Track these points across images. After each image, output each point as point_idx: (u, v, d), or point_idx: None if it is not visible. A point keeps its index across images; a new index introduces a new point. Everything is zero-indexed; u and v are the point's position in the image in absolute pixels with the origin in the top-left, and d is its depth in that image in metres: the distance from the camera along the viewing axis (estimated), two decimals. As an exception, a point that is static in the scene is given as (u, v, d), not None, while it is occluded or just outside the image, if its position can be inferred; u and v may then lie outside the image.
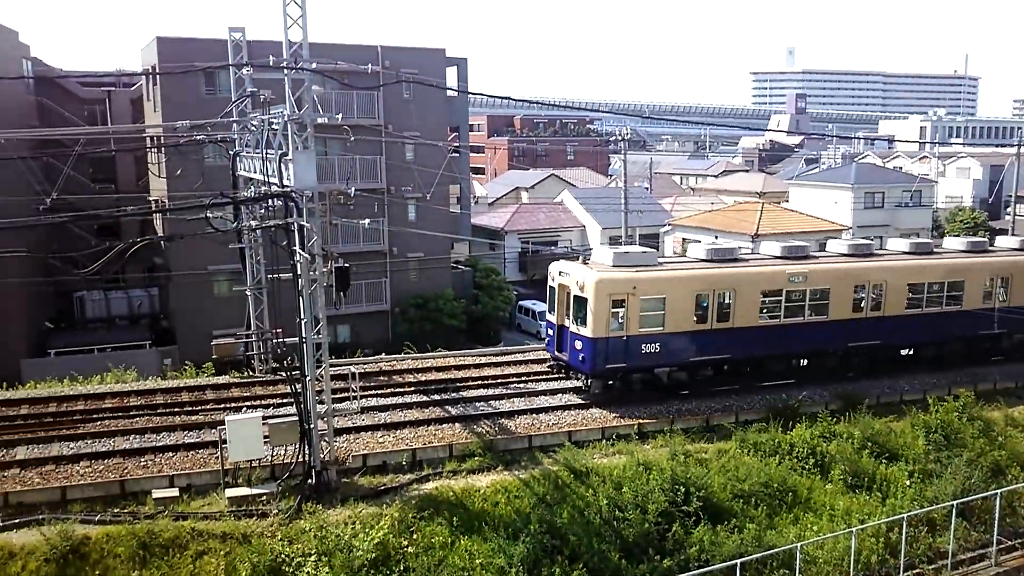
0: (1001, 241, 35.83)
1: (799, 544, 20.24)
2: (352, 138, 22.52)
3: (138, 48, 47.46)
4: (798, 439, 24.14)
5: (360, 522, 19.08)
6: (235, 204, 23.85)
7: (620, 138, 53.13)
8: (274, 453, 20.96)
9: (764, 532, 20.88)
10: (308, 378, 20.10)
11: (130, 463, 20.97)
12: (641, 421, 25.19)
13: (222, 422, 20.65)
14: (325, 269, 20.36)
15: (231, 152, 25.88)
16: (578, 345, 26.26)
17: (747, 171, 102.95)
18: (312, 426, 20.12)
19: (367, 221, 24.83)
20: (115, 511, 18.76)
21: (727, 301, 27.30)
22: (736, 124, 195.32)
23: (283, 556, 17.91)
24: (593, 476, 21.82)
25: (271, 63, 20.89)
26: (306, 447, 20.32)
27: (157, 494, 19.81)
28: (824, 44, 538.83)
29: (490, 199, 76.04)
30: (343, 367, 20.92)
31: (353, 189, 22.21)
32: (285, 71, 19.71)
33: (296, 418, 20.32)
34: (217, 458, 20.88)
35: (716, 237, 47.03)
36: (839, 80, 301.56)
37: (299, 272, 19.76)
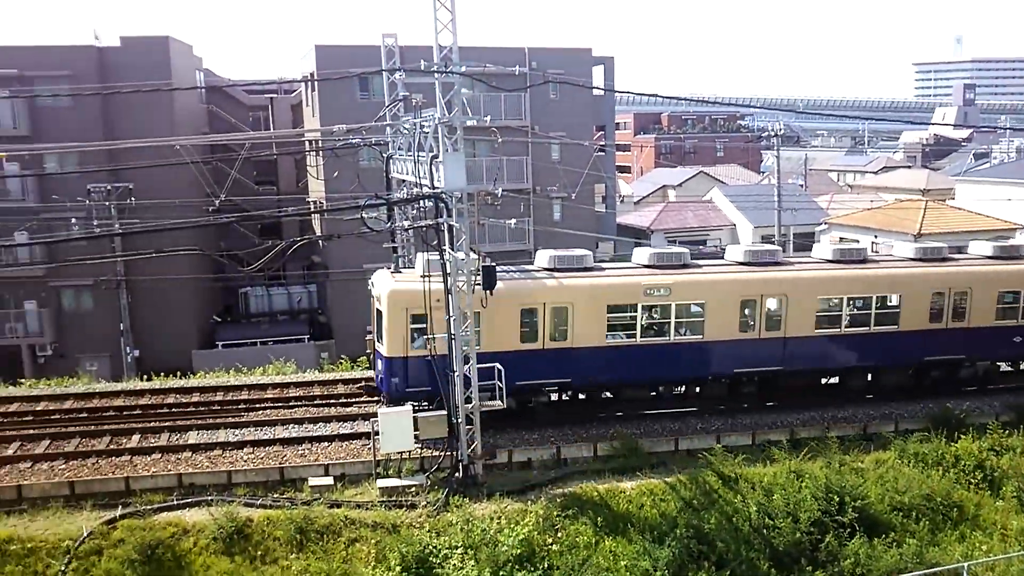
0: (975, 248, 29.23)
1: (966, 564, 19.07)
2: (500, 139, 22.86)
3: (298, 56, 49.85)
4: (964, 451, 22.73)
5: (505, 517, 19.36)
6: (388, 205, 24.65)
7: (773, 134, 51.53)
8: (423, 446, 21.52)
9: (926, 548, 19.79)
10: (456, 373, 20.54)
11: (289, 451, 22.07)
12: (793, 428, 24.36)
13: (375, 414, 21.42)
14: (473, 268, 20.78)
15: (385, 155, 26.76)
16: (379, 365, 23.61)
17: (909, 167, 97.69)
18: (459, 420, 20.57)
19: (513, 221, 25.18)
20: (275, 496, 19.77)
21: (564, 317, 23.50)
22: (897, 118, 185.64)
23: (431, 548, 18.40)
24: (742, 482, 21.28)
25: (422, 67, 21.49)
26: (454, 441, 20.79)
27: (313, 482, 20.78)
28: (996, 30, 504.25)
29: (636, 198, 75.40)
30: (489, 364, 21.22)
31: (500, 189, 22.58)
32: (436, 75, 20.21)
33: (444, 413, 20.83)
34: (369, 449, 21.68)
35: (876, 237, 44.85)
36: (1013, 68, 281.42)
37: (448, 271, 20.23)
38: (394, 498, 20.06)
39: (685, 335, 24.48)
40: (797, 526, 19.68)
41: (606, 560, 18.79)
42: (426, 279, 21.14)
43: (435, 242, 20.51)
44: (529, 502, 20.01)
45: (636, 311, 23.92)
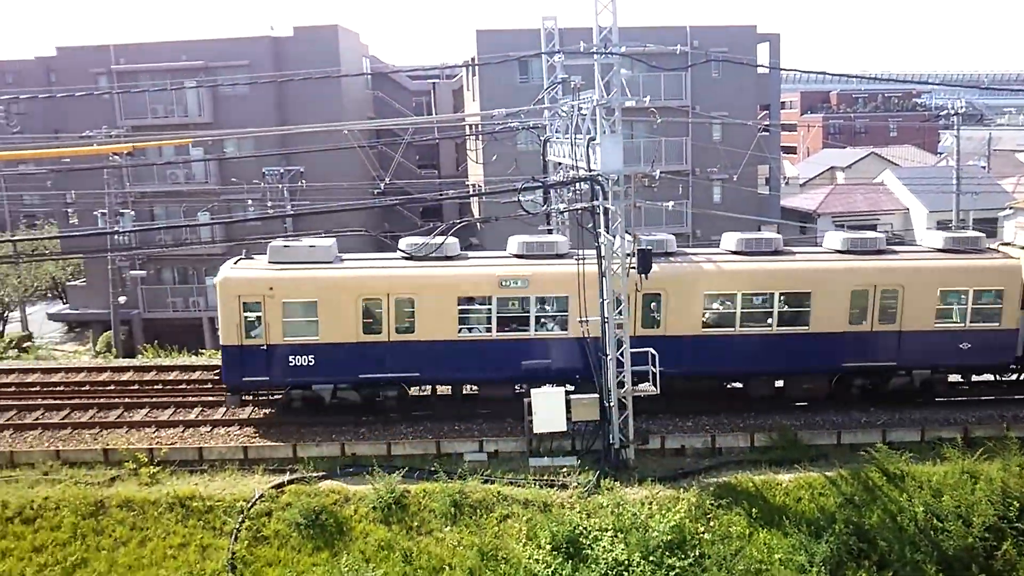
0: (929, 238, 25.68)
1: None
2: (659, 120, 22.44)
3: (460, 41, 50.87)
4: None
5: (657, 503, 19.20)
6: (545, 188, 24.79)
7: (952, 112, 48.26)
8: (575, 428, 21.62)
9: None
10: (609, 357, 20.48)
11: (445, 427, 22.68)
12: (968, 425, 22.87)
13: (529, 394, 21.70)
14: (628, 251, 20.62)
15: (542, 138, 26.92)
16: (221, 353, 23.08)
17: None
18: (612, 404, 20.53)
19: (671, 204, 24.71)
20: (431, 470, 20.40)
21: (410, 308, 22.47)
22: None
23: (581, 528, 18.50)
24: (908, 480, 20.19)
25: (581, 49, 21.42)
26: (606, 425, 20.78)
27: (469, 457, 21.32)
28: None
29: (801, 180, 72.45)
30: (643, 349, 21.02)
31: (658, 171, 22.23)
32: (595, 57, 20.10)
33: (597, 396, 20.84)
34: (522, 428, 21.99)
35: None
36: None
37: (603, 253, 20.16)
38: (546, 477, 20.28)
39: (544, 332, 22.83)
40: (969, 530, 18.50)
41: (760, 552, 18.32)
42: (276, 267, 21.46)
43: (590, 224, 20.47)
44: (681, 489, 19.76)
45: (490, 304, 22.52)
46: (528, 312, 22.63)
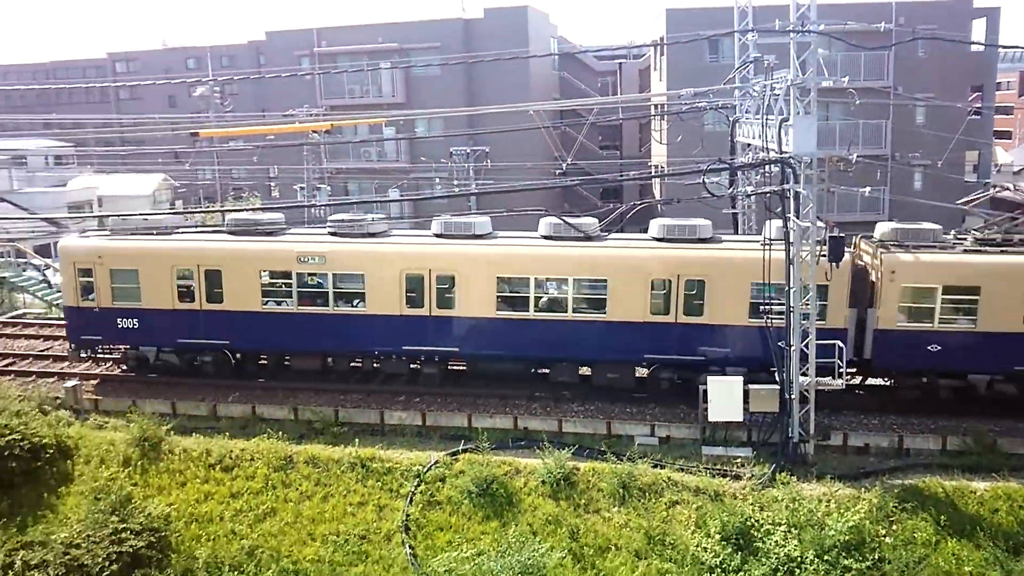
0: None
1: None
2: (857, 101, 21.24)
3: (648, 20, 50.12)
4: None
5: (835, 501, 18.33)
6: (731, 170, 24.07)
7: None
8: (752, 418, 20.98)
9: None
10: (793, 347, 19.70)
11: (617, 407, 22.62)
12: None
13: (703, 381, 21.25)
14: (819, 238, 19.72)
15: (730, 118, 26.13)
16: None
17: None
18: (793, 396, 19.76)
19: (867, 189, 23.37)
20: (601, 450, 20.40)
21: (220, 280, 23.81)
22: None
23: (752, 521, 17.95)
24: None
25: (776, 27, 20.56)
26: (785, 417, 20.04)
27: (640, 440, 21.17)
28: None
29: (1016, 167, 66.68)
30: (829, 341, 20.08)
31: (854, 155, 21.07)
32: (791, 35, 19.25)
33: (777, 386, 20.12)
34: (696, 415, 21.58)
35: None
36: None
37: (791, 240, 19.37)
38: (718, 467, 19.82)
39: (342, 307, 23.91)
40: None
41: (947, 562, 17.13)
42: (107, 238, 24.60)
43: (779, 209, 19.70)
44: (863, 489, 18.76)
45: (291, 279, 23.83)
46: (327, 288, 23.74)
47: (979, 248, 22.37)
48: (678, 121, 33.73)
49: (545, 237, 23.73)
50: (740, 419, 20.69)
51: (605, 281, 22.64)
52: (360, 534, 18.89)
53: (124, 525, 18.34)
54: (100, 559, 17.93)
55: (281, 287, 24.03)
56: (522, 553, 17.08)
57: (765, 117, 20.95)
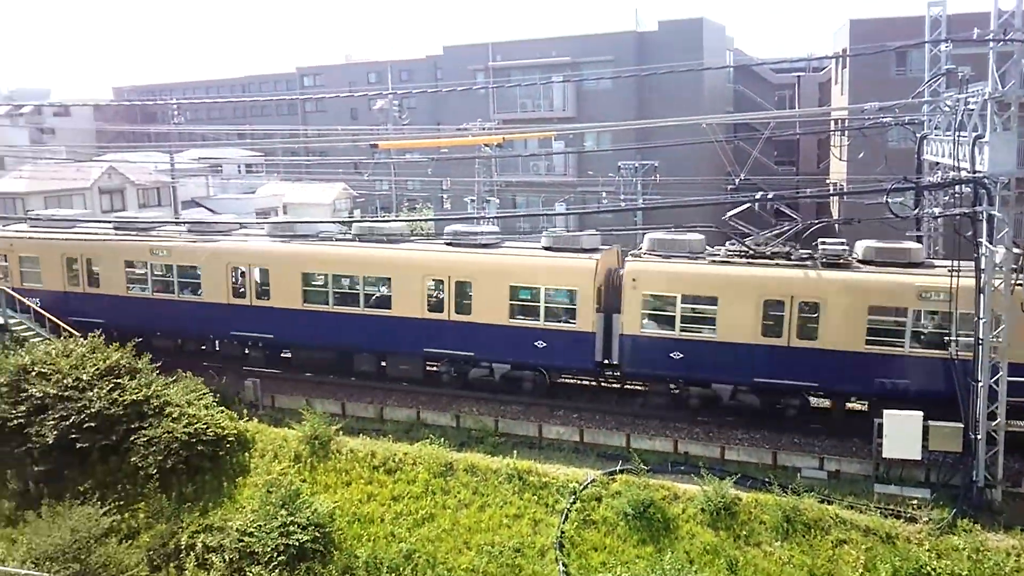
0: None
1: None
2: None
3: (830, 32, 48.07)
4: None
5: (1026, 556, 16.78)
6: (918, 189, 22.64)
7: None
8: (931, 457, 19.58)
9: None
10: (980, 384, 18.22)
11: (784, 437, 21.67)
12: None
13: (865, 414, 20.02)
14: (1015, 265, 18.18)
15: (918, 135, 24.61)
16: None
17: None
18: (980, 436, 18.26)
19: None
20: (766, 480, 19.58)
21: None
22: None
23: (928, 569, 16.67)
24: None
25: (975, 36, 19.17)
26: (969, 458, 18.55)
27: (806, 473, 20.17)
28: None
29: None
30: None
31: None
32: (991, 44, 17.87)
33: (961, 425, 18.67)
34: (869, 450, 20.35)
35: None
36: None
37: (983, 266, 17.94)
38: (891, 507, 18.57)
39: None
40: None
41: None
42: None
43: (969, 232, 18.30)
44: (1060, 544, 17.07)
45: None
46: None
47: (725, 259, 22.58)
48: (860, 137, 32.15)
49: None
50: (918, 457, 19.32)
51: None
52: (515, 547, 18.96)
53: (292, 519, 19.24)
54: (269, 549, 18.90)
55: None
56: (677, 581, 16.63)
57: (957, 133, 19.57)
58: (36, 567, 18.93)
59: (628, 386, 25.27)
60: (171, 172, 53.12)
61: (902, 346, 20.66)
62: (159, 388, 22.95)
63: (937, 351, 20.37)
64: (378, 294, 25.33)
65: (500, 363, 24.45)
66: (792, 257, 22.37)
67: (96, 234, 28.43)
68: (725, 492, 18.75)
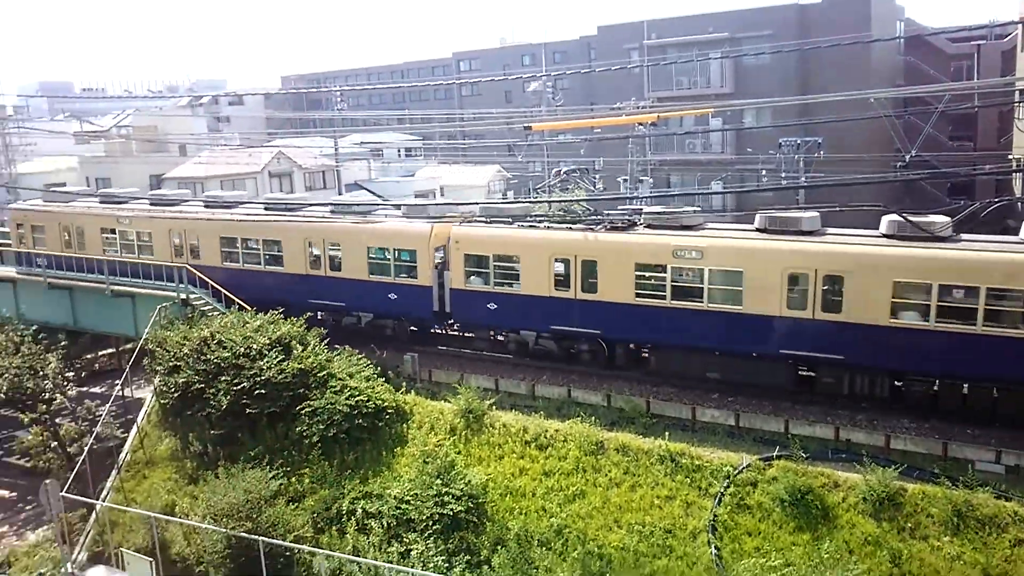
0: None
1: None
2: None
3: (1017, -4, 44.51)
4: None
5: None
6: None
7: None
8: None
9: None
10: None
11: (955, 428, 20.43)
12: None
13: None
14: None
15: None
16: None
17: None
18: None
19: None
20: (934, 472, 18.56)
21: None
22: None
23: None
24: None
25: None
26: None
27: (981, 466, 18.95)
28: None
29: None
30: None
31: None
32: None
33: None
34: (1054, 444, 18.92)
35: None
36: None
37: None
38: (1079, 506, 17.21)
39: None
40: None
41: None
42: None
43: None
44: None
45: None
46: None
47: (531, 225, 26.00)
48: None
49: None
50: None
51: None
52: (666, 528, 18.85)
53: (447, 489, 19.88)
54: (425, 517, 19.62)
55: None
56: (836, 571, 16.06)
57: None
58: (215, 522, 20.41)
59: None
60: (335, 156, 55.46)
61: (663, 297, 23.20)
62: (324, 360, 24.16)
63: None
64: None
65: (363, 312, 28.74)
66: (578, 224, 25.40)
67: (249, 216, 30.81)
68: (889, 482, 17.91)
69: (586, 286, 24.36)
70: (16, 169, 54.03)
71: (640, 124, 41.90)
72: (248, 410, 23.07)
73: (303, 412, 22.95)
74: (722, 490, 19.08)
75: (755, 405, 22.31)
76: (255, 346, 23.97)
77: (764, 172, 44.02)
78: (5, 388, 28.13)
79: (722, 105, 38.95)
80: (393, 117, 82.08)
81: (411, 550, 19.41)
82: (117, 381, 32.26)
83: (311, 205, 31.85)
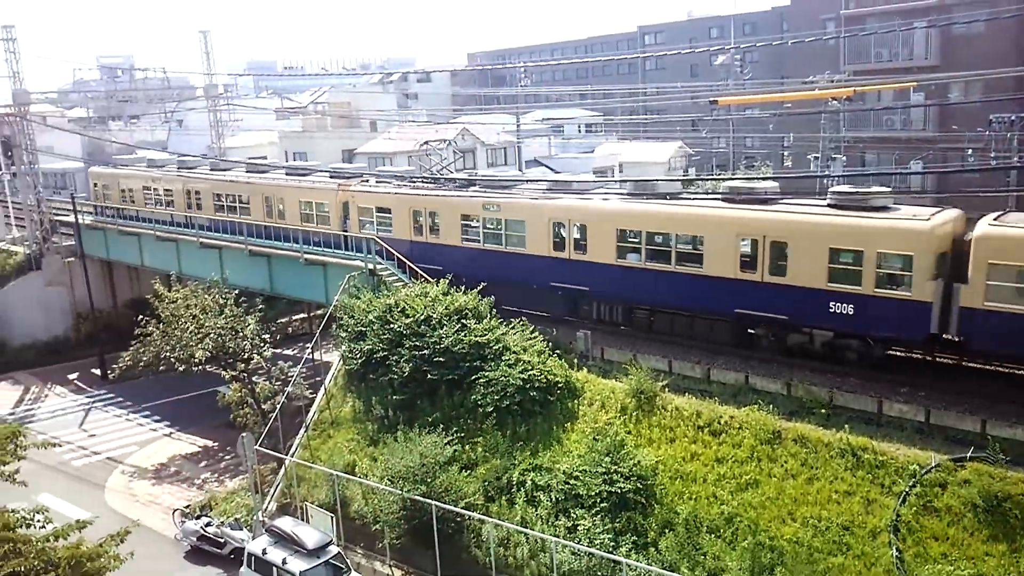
0: None
1: None
2: None
3: None
4: None
5: None
6: None
7: None
8: None
9: None
10: None
11: None
12: None
13: None
14: None
15: None
16: None
17: None
18: None
19: None
20: None
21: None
22: None
23: None
24: None
25: None
26: None
27: None
28: None
29: None
30: None
31: None
32: None
33: None
34: None
35: None
36: None
37: None
38: None
39: None
40: None
41: None
42: None
43: None
44: None
45: None
46: None
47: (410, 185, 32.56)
48: None
49: None
50: None
51: None
52: (843, 524, 18.03)
53: (616, 468, 19.86)
54: (593, 494, 19.71)
55: None
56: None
57: None
58: (392, 484, 21.39)
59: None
60: (517, 132, 56.15)
61: (478, 241, 29.43)
62: (499, 333, 24.68)
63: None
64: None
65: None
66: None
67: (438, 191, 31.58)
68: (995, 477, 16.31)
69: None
70: (224, 143, 58.26)
71: (834, 99, 39.78)
72: (429, 375, 23.98)
73: (479, 382, 23.58)
74: (907, 489, 17.99)
75: (948, 402, 20.82)
76: (434, 316, 24.83)
77: (970, 152, 40.75)
78: (211, 346, 30.55)
79: (927, 78, 36.24)
80: (575, 93, 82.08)
81: (578, 525, 19.55)
82: (308, 344, 34.32)
83: (528, 182, 31.49)
